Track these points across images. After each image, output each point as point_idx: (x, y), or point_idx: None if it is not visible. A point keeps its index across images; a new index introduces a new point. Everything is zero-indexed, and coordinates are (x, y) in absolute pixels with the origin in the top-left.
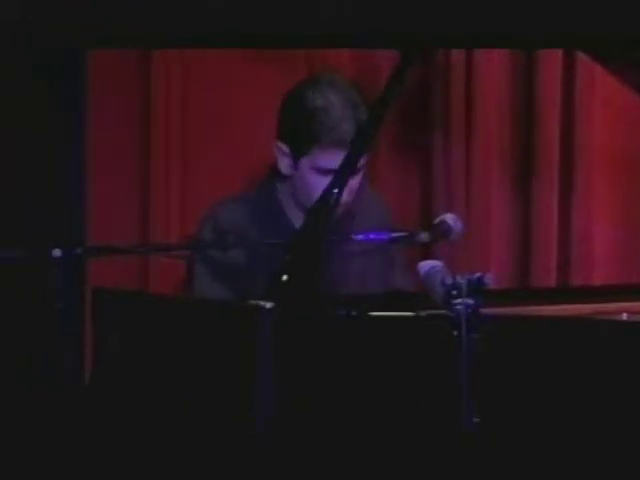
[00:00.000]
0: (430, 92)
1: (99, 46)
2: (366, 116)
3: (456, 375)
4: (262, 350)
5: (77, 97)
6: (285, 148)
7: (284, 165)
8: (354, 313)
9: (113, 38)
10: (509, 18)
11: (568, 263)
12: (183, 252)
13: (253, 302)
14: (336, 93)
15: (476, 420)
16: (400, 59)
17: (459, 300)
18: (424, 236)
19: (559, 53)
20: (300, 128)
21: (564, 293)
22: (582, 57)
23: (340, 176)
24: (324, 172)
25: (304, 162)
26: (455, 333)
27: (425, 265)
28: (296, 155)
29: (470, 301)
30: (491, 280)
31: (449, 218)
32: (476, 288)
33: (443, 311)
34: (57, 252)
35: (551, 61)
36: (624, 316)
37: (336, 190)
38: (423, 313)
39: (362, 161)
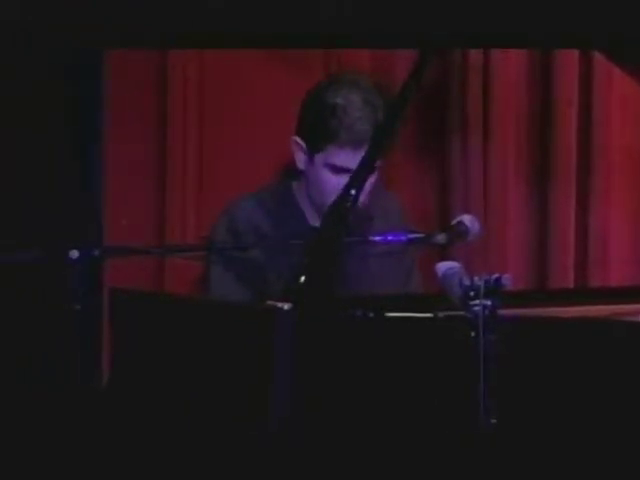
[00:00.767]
0: (447, 93)
1: (117, 46)
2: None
3: (473, 376)
4: (280, 351)
5: (95, 97)
6: (302, 143)
7: (300, 160)
8: (371, 314)
9: (131, 38)
10: (526, 18)
11: (585, 264)
12: (199, 253)
13: (271, 303)
14: (357, 93)
15: (493, 421)
16: (417, 59)
17: (477, 301)
18: (441, 237)
19: (576, 54)
20: (317, 124)
21: (581, 294)
22: (599, 58)
23: (357, 177)
24: (337, 170)
25: (318, 158)
26: (472, 334)
27: (443, 266)
28: (312, 151)
29: (488, 302)
30: (509, 281)
31: (466, 219)
32: (494, 289)
33: (461, 312)
34: (74, 253)
35: (568, 62)
36: None
37: (353, 191)
38: (441, 314)
39: (378, 162)
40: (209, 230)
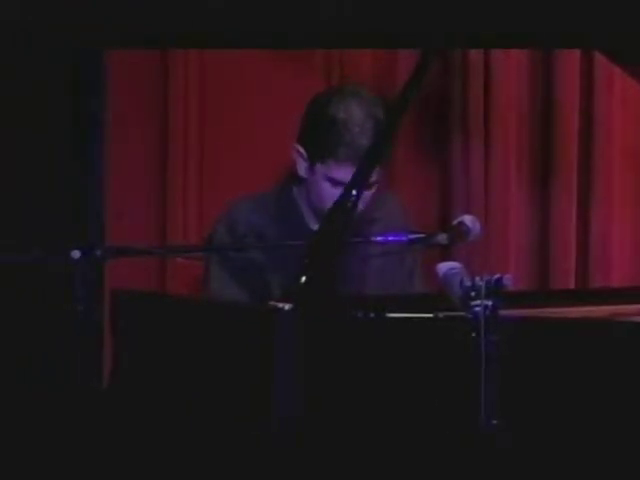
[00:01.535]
0: (448, 94)
1: (117, 46)
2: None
3: (474, 377)
4: (280, 351)
5: (96, 98)
6: (302, 151)
7: (301, 168)
8: (372, 315)
9: (131, 38)
10: (526, 18)
11: (586, 264)
12: (201, 253)
13: (272, 304)
14: (359, 106)
15: (494, 422)
16: (418, 60)
17: (478, 302)
18: (442, 238)
19: (577, 54)
20: (319, 136)
21: (582, 295)
22: (600, 58)
23: (357, 179)
24: (337, 183)
25: (319, 168)
26: (473, 335)
27: (443, 266)
28: (312, 160)
29: (489, 303)
30: (510, 281)
31: (467, 219)
32: (495, 289)
33: (462, 313)
34: (76, 254)
35: (569, 62)
36: None
37: (353, 195)
38: (441, 315)
39: (376, 176)
40: (209, 231)
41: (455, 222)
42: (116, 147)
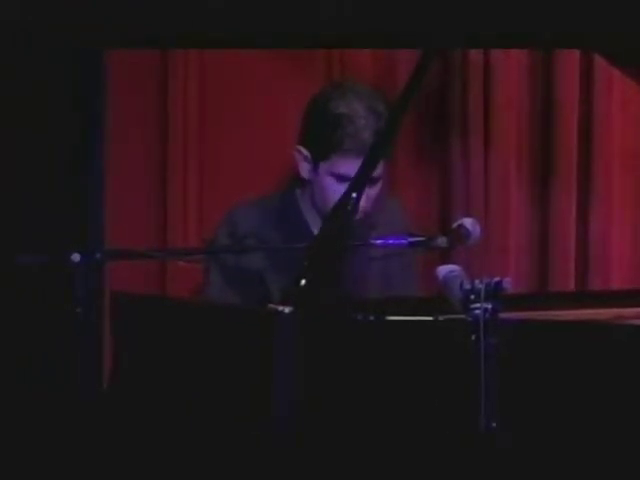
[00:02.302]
0: (448, 94)
1: (117, 46)
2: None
3: (474, 379)
4: (280, 354)
5: (96, 98)
6: (305, 152)
7: (304, 169)
8: (372, 317)
9: (131, 38)
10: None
11: (586, 267)
12: (201, 256)
13: (272, 306)
14: (360, 101)
15: (494, 424)
16: (419, 60)
17: (477, 304)
18: (442, 240)
19: (577, 54)
20: (322, 133)
21: (582, 297)
22: (600, 59)
23: (358, 181)
24: (341, 178)
25: (323, 167)
26: (473, 337)
27: (443, 269)
28: (316, 159)
29: (488, 305)
30: (509, 284)
31: (467, 222)
32: (494, 292)
33: (461, 315)
34: (76, 257)
35: (569, 63)
36: None
37: (354, 195)
38: (441, 317)
39: (380, 170)
40: (210, 235)
41: (455, 225)
42: (116, 147)
